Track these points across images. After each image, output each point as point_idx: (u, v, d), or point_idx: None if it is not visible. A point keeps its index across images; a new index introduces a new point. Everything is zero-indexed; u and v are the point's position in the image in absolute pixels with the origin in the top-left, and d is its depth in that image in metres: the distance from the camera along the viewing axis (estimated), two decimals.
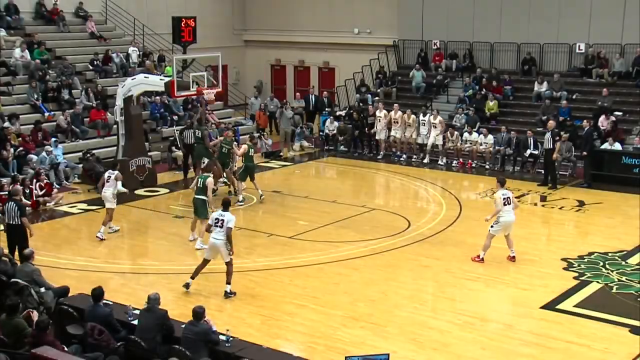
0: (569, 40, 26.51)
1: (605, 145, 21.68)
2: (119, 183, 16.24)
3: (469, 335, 11.29)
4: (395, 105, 25.29)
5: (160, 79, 21.23)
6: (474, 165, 23.16)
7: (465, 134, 23.56)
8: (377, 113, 24.71)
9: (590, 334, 11.34)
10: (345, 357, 8.50)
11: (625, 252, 14.90)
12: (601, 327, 11.58)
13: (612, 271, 13.90)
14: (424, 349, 10.79)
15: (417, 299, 12.76)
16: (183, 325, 9.61)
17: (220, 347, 9.42)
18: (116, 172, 16.29)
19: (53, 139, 21.53)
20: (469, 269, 14.16)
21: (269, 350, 9.74)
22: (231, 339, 9.56)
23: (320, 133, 26.88)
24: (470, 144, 23.31)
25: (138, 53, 27.60)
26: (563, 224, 17.74)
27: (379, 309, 12.35)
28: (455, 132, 23.65)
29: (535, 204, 18.94)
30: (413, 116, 24.34)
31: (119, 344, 9.35)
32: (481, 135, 23.25)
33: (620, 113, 23.61)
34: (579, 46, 26.41)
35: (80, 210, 18.45)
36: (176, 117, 25.45)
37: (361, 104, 26.98)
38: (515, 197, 19.13)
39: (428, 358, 10.48)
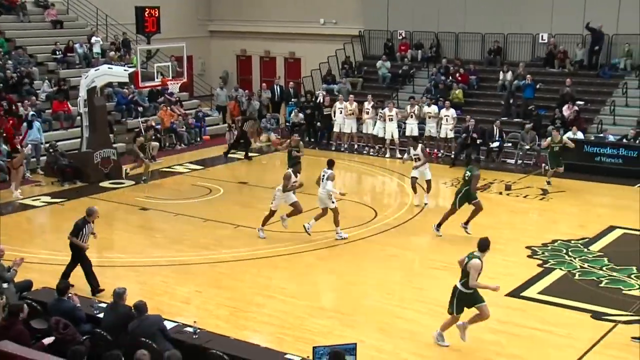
0: (532, 31, 26.82)
1: (569, 134, 21.97)
2: (329, 183, 15.32)
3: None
4: (351, 96, 25.32)
5: (124, 70, 21.04)
6: (440, 155, 23.32)
7: (425, 107, 23.61)
8: (338, 105, 24.67)
9: (554, 320, 11.53)
10: (313, 347, 8.54)
11: (587, 240, 15.14)
12: (564, 313, 11.79)
13: (574, 258, 14.13)
14: (392, 338, 10.88)
15: (384, 289, 12.85)
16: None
17: (188, 339, 9.40)
18: (330, 171, 15.46)
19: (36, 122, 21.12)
20: (435, 257, 14.29)
21: (236, 341, 9.74)
22: (198, 330, 9.55)
23: (287, 124, 26.84)
24: (431, 117, 23.36)
25: (101, 43, 27.27)
26: (527, 213, 17.96)
27: (346, 298, 12.42)
28: (417, 106, 23.66)
29: (500, 193, 19.15)
30: (369, 108, 24.28)
31: (84, 337, 9.28)
32: (443, 109, 23.36)
33: (582, 102, 23.96)
34: (542, 36, 26.74)
35: (44, 203, 18.24)
36: (141, 108, 25.22)
37: (325, 94, 26.91)
38: (481, 187, 19.48)
39: (395, 346, 10.57)
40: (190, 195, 18.97)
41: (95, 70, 20.80)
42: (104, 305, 10.25)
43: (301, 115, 25.64)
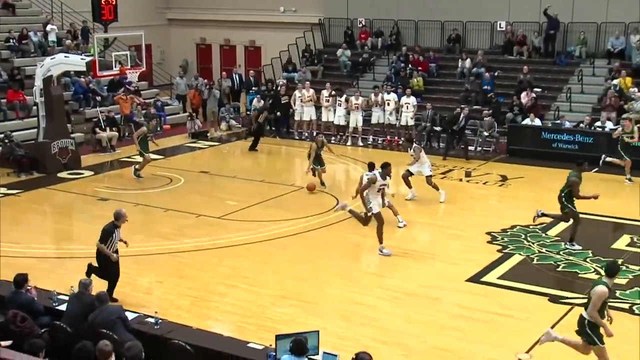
0: (491, 19, 27.05)
1: (527, 121, 22.26)
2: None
3: (397, 310, 11.49)
4: (307, 83, 25.30)
5: (81, 59, 20.74)
6: (400, 142, 23.43)
7: (385, 94, 23.72)
8: (297, 93, 24.62)
9: (513, 304, 11.69)
10: (276, 336, 8.55)
11: (545, 225, 15.36)
12: (523, 298, 11.96)
13: (533, 243, 14.34)
14: (353, 325, 10.94)
15: (346, 276, 12.90)
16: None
17: (149, 329, 9.34)
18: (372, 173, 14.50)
19: None
20: (396, 244, 14.37)
21: (199, 331, 9.72)
22: (160, 321, 9.49)
23: (247, 112, 26.74)
24: (389, 103, 23.43)
25: (57, 31, 26.79)
26: (487, 199, 18.16)
27: (308, 286, 12.45)
28: (380, 94, 23.75)
29: (461, 180, 19.33)
30: (327, 96, 24.30)
31: (43, 330, 9.17)
32: (404, 97, 23.46)
33: (539, 89, 24.26)
34: (500, 24, 26.98)
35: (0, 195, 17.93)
36: (99, 97, 24.88)
37: (285, 83, 26.83)
38: (441, 173, 19.67)
39: (357, 333, 10.62)
40: (151, 185, 18.81)
41: (51, 59, 20.45)
42: (64, 297, 10.12)
43: (263, 102, 25.49)
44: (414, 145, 17.87)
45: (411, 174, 17.26)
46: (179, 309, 11.38)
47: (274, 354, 8.47)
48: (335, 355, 8.18)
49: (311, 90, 24.59)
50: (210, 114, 25.55)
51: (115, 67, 20.89)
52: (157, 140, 23.88)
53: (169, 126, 25.97)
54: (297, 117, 24.73)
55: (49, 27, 26.55)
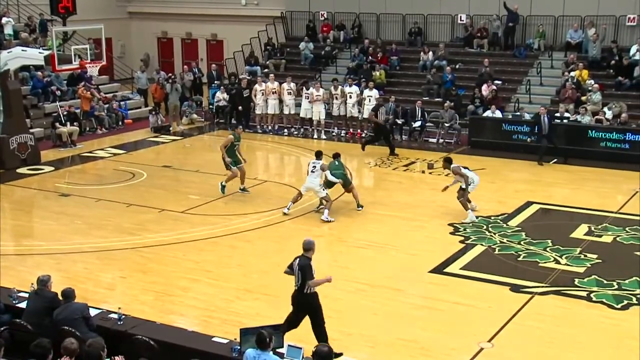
0: (451, 12, 27.22)
1: (487, 113, 22.46)
2: (327, 173, 15.69)
3: (362, 302, 11.53)
4: (271, 75, 25.24)
5: (39, 52, 20.40)
6: (363, 135, 23.50)
7: (346, 87, 23.74)
8: (258, 87, 24.52)
9: (475, 294, 11.81)
10: (240, 329, 8.53)
11: (506, 215, 15.54)
12: (485, 287, 12.08)
13: (494, 234, 14.48)
14: None
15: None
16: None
17: (112, 325, 9.24)
18: (321, 162, 15.72)
19: None
20: (360, 237, 14.43)
21: (162, 326, 9.64)
22: (123, 316, 9.40)
23: (210, 106, 26.58)
24: (351, 96, 23.44)
25: (13, 24, 26.26)
26: (449, 190, 18.24)
27: (272, 280, 12.40)
28: (340, 87, 23.78)
29: (423, 172, 19.44)
30: (289, 88, 24.26)
31: (2, 328, 9.01)
32: (366, 90, 23.52)
33: (500, 82, 24.50)
34: (460, 17, 27.18)
35: None
36: (59, 92, 24.52)
37: (247, 76, 26.72)
38: (404, 166, 19.75)
39: None
40: (113, 180, 18.61)
41: (8, 52, 20.08)
42: (24, 294, 9.97)
43: (225, 96, 25.36)
44: (452, 166, 15.71)
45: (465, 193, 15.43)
46: (143, 304, 11.28)
47: (239, 347, 8.45)
48: (300, 348, 8.18)
49: (275, 83, 24.50)
50: (172, 108, 25.33)
51: (74, 61, 20.56)
52: (119, 135, 23.69)
53: (131, 120, 25.71)
54: (258, 111, 24.62)
55: (4, 20, 25.95)
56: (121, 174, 19.16)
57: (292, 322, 9.64)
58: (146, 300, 11.54)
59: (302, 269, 9.52)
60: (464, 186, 15.25)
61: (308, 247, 9.77)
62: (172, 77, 26.57)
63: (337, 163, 16.18)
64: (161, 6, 33.38)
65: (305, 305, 9.59)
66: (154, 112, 25.05)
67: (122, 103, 26.15)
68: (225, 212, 15.87)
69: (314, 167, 15.68)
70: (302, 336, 9.63)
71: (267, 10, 30.64)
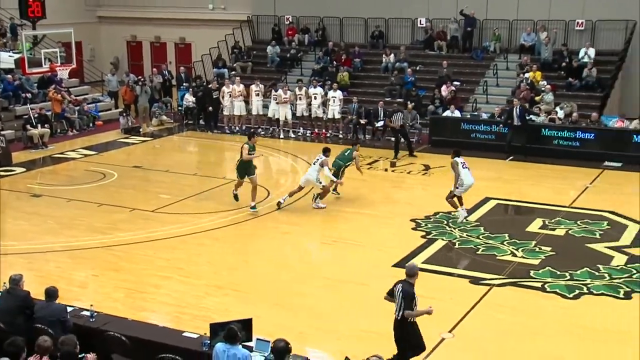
0: (412, 16, 27.39)
1: (447, 113, 22.62)
2: (325, 168, 15.82)
3: (329, 296, 11.55)
4: (237, 78, 25.18)
5: (9, 56, 20.08)
6: (328, 135, 23.53)
7: (311, 89, 23.77)
8: (225, 89, 24.40)
9: (437, 287, 11.86)
10: (210, 324, 8.49)
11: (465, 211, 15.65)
12: (446, 280, 12.17)
13: (454, 229, 14.59)
14: (287, 312, 10.94)
15: (278, 265, 12.89)
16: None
17: (84, 322, 9.14)
18: (324, 157, 15.82)
19: None
20: (326, 233, 14.47)
21: (134, 322, 9.56)
22: (95, 314, 9.30)
23: (179, 108, 26.40)
24: (316, 97, 23.45)
25: None
26: (411, 187, 18.39)
27: (242, 276, 12.39)
28: (304, 88, 23.80)
29: (386, 170, 19.53)
30: (257, 90, 24.18)
31: None
32: (330, 91, 23.54)
33: (458, 83, 24.70)
34: (420, 21, 27.35)
35: None
36: (30, 95, 24.13)
37: (218, 78, 26.62)
38: (367, 164, 19.80)
39: (289, 320, 10.63)
40: (84, 181, 18.39)
41: None
42: None
43: (193, 98, 25.20)
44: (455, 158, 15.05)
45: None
46: (115, 302, 11.17)
47: (209, 342, 8.41)
48: (268, 342, 8.16)
49: (241, 85, 24.46)
50: (142, 110, 25.11)
51: (45, 64, 20.28)
52: (90, 136, 23.43)
53: (102, 122, 25.42)
54: (226, 112, 24.53)
55: None
56: (92, 174, 18.94)
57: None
58: (118, 297, 11.43)
59: (405, 298, 8.55)
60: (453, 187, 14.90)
61: (412, 272, 8.82)
62: (142, 79, 26.33)
63: (346, 154, 16.57)
64: (130, 11, 33.08)
65: (395, 330, 8.72)
66: (124, 114, 24.81)
67: (92, 105, 25.85)
68: (195, 211, 15.77)
69: (316, 160, 15.85)
70: (272, 331, 9.61)
71: (234, 14, 30.55)
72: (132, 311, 10.62)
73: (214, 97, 24.47)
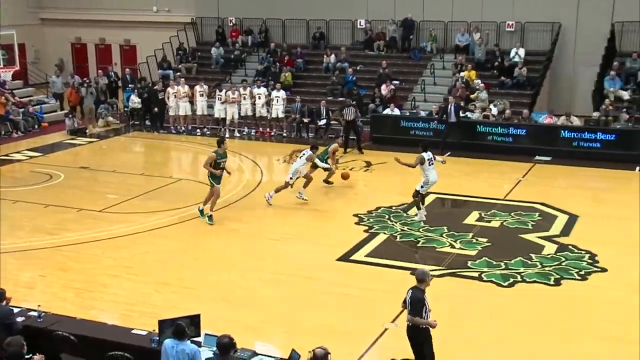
0: (351, 17, 27.51)
1: (387, 111, 22.81)
2: (317, 161, 16.24)
3: (277, 291, 11.53)
4: (182, 79, 24.95)
5: None
6: (272, 134, 23.49)
7: (255, 89, 23.69)
8: (170, 90, 24.12)
9: (380, 279, 11.99)
10: (159, 321, 8.40)
11: (406, 205, 15.82)
12: (388, 272, 12.27)
13: (395, 223, 14.73)
14: (234, 307, 10.90)
15: (226, 261, 12.82)
16: None
17: (32, 322, 8.93)
18: (310, 152, 16.05)
19: None
20: (272, 229, 14.42)
21: (82, 321, 9.38)
22: (43, 314, 9.10)
23: (125, 109, 26.00)
24: (260, 97, 23.37)
25: None
26: (354, 183, 18.46)
27: (190, 273, 12.28)
28: (249, 88, 23.72)
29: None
30: (202, 90, 24.01)
31: None
32: (274, 91, 23.49)
33: (397, 82, 24.92)
34: (360, 22, 27.50)
35: None
36: None
37: (163, 80, 26.29)
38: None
39: (237, 314, 10.59)
40: (30, 182, 17.95)
41: None
42: None
43: (138, 100, 24.83)
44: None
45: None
46: (64, 301, 10.95)
47: (157, 338, 8.32)
48: (216, 336, 8.10)
49: (186, 86, 24.24)
50: (87, 111, 24.66)
51: None
52: (35, 138, 22.89)
53: (47, 124, 24.86)
54: (172, 113, 24.27)
55: None
56: (38, 175, 18.50)
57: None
58: (67, 297, 11.20)
59: (412, 303, 8.25)
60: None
61: (421, 278, 8.42)
62: (87, 81, 25.85)
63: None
64: (74, 13, 32.39)
65: (410, 337, 8.40)
66: (70, 116, 24.31)
67: (37, 107, 25.25)
68: (142, 210, 15.55)
69: (302, 155, 16.08)
70: (221, 327, 9.56)
71: (178, 16, 30.21)
72: (81, 310, 10.42)
73: (160, 98, 24.17)
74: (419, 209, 14.90)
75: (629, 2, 23.83)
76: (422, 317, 8.23)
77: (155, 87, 24.70)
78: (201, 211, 14.76)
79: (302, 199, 16.05)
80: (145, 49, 29.91)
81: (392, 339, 9.84)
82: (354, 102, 22.02)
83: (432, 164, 14.73)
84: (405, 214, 15.24)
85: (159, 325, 8.33)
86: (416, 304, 8.19)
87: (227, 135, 23.42)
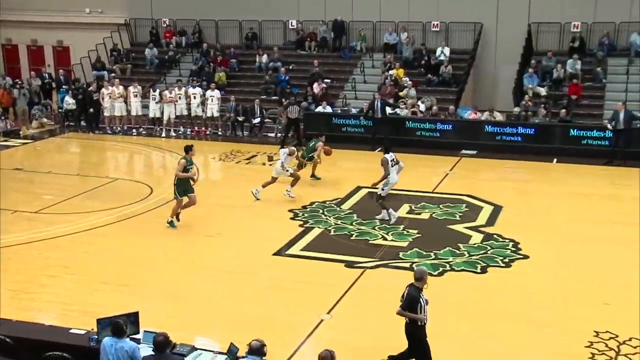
0: (283, 18, 27.51)
1: (319, 109, 22.91)
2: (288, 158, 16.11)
3: (214, 286, 11.46)
4: (116, 80, 24.52)
5: None
6: (208, 132, 23.31)
7: (190, 89, 23.47)
8: (104, 90, 23.66)
9: (316, 272, 12.06)
10: (97, 320, 8.25)
11: (339, 200, 15.96)
12: (324, 265, 12.34)
13: (329, 217, 14.83)
14: (174, 304, 10.77)
15: (164, 259, 12.66)
16: None
17: None
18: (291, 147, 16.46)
19: None
20: (209, 227, 14.31)
21: (19, 323, 9.14)
22: None
23: (60, 110, 25.35)
24: (195, 97, 23.17)
25: None
26: (288, 180, 18.45)
27: (129, 271, 12.08)
28: (184, 88, 23.49)
29: (264, 164, 19.52)
30: (136, 91, 23.67)
31: None
32: (208, 90, 23.32)
33: (329, 80, 25.06)
34: (291, 23, 27.53)
35: None
36: None
37: (97, 81, 25.74)
38: (246, 159, 19.76)
39: (176, 311, 10.47)
40: None
41: None
42: None
43: (73, 101, 24.26)
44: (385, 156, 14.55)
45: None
46: None
47: (96, 337, 8.18)
48: (156, 333, 8.02)
49: (120, 87, 23.80)
50: (21, 113, 23.96)
51: None
52: None
53: None
54: (107, 113, 23.80)
55: None
56: None
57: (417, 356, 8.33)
58: (3, 299, 10.85)
59: (408, 299, 8.19)
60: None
61: (420, 276, 8.32)
62: (19, 82, 25.07)
63: (311, 145, 17.27)
64: (4, 14, 31.33)
65: (407, 334, 8.34)
66: (2, 117, 23.57)
67: None
68: (79, 210, 15.21)
69: (283, 152, 16.16)
70: (162, 324, 9.46)
71: (111, 17, 29.62)
72: (18, 312, 10.13)
73: (94, 98, 23.67)
74: (387, 210, 14.55)
75: (544, 5, 24.64)
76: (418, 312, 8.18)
77: (89, 88, 24.17)
78: (170, 222, 14.14)
79: (290, 196, 15.94)
80: (79, 50, 29.24)
81: (328, 330, 9.93)
82: (298, 101, 22.14)
83: (394, 165, 14.52)
84: (338, 208, 15.34)
85: (97, 324, 8.19)
86: (410, 301, 8.19)
87: (163, 135, 23.15)
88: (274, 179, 16.09)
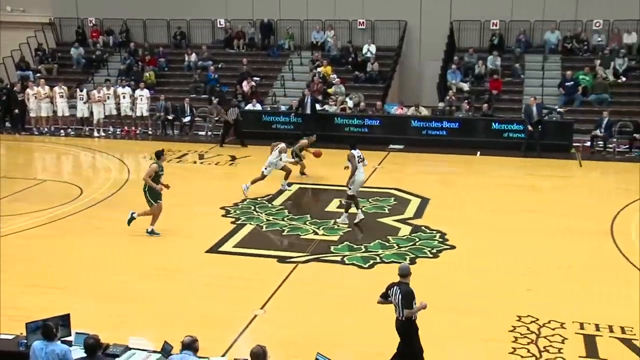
0: (212, 17, 27.24)
1: (249, 107, 22.81)
2: (283, 155, 16.11)
3: (147, 285, 11.26)
4: (42, 80, 23.83)
5: None
6: (138, 132, 22.89)
7: (119, 88, 23.04)
8: (29, 91, 22.95)
9: (249, 268, 12.00)
10: (26, 324, 7.98)
11: (270, 196, 15.93)
12: (256, 261, 12.30)
13: (261, 213, 14.79)
14: (106, 303, 10.53)
15: (95, 259, 12.36)
16: None
17: None
18: (282, 145, 16.21)
19: None
20: (140, 225, 13.99)
21: None
22: None
23: None
24: (124, 96, 22.80)
25: None
26: (220, 177, 18.36)
27: (59, 273, 11.74)
28: (112, 87, 23.03)
29: (195, 162, 19.33)
30: (61, 91, 23.06)
31: None
32: (137, 90, 22.92)
33: (258, 78, 24.97)
34: (220, 22, 27.30)
35: None
36: None
37: (22, 81, 24.91)
38: (177, 158, 19.51)
39: (109, 311, 10.23)
40: None
41: None
42: None
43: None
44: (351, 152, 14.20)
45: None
46: None
47: (25, 341, 7.91)
48: (88, 334, 7.83)
49: (46, 87, 23.10)
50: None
51: None
52: None
53: None
54: (33, 114, 23.07)
55: None
56: None
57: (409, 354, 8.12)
58: None
59: (405, 297, 7.99)
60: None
61: (405, 272, 8.16)
62: None
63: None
64: None
65: (402, 332, 8.13)
66: None
67: None
68: (6, 213, 14.69)
69: (276, 148, 16.08)
70: (94, 324, 9.24)
71: (34, 16, 28.67)
72: None
73: (19, 99, 22.90)
74: (358, 208, 14.18)
75: (464, 3, 25.20)
76: (413, 308, 8.06)
77: (14, 89, 23.37)
78: (151, 232, 13.52)
79: (286, 189, 16.08)
80: (1, 50, 28.17)
81: (262, 325, 9.90)
82: (237, 104, 21.96)
83: (361, 161, 14.12)
84: (270, 205, 15.31)
85: (26, 327, 7.91)
86: (408, 296, 8.03)
87: (95, 134, 22.60)
88: (264, 176, 15.94)
